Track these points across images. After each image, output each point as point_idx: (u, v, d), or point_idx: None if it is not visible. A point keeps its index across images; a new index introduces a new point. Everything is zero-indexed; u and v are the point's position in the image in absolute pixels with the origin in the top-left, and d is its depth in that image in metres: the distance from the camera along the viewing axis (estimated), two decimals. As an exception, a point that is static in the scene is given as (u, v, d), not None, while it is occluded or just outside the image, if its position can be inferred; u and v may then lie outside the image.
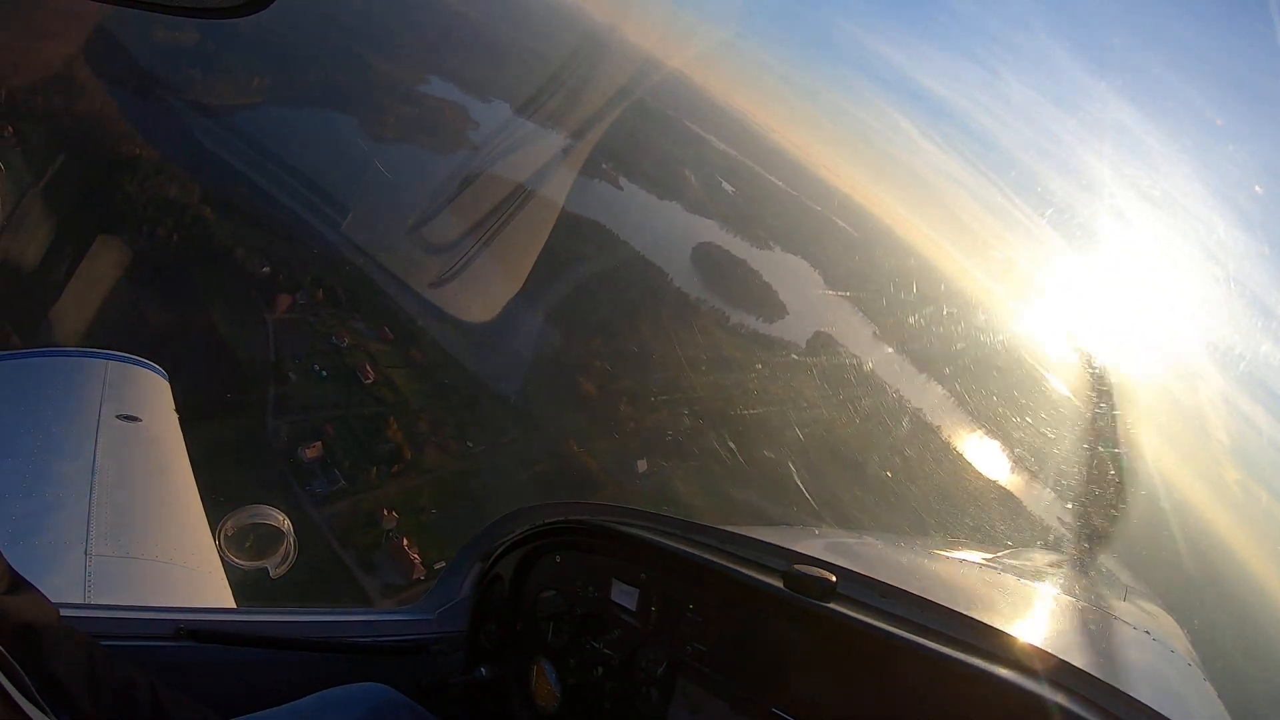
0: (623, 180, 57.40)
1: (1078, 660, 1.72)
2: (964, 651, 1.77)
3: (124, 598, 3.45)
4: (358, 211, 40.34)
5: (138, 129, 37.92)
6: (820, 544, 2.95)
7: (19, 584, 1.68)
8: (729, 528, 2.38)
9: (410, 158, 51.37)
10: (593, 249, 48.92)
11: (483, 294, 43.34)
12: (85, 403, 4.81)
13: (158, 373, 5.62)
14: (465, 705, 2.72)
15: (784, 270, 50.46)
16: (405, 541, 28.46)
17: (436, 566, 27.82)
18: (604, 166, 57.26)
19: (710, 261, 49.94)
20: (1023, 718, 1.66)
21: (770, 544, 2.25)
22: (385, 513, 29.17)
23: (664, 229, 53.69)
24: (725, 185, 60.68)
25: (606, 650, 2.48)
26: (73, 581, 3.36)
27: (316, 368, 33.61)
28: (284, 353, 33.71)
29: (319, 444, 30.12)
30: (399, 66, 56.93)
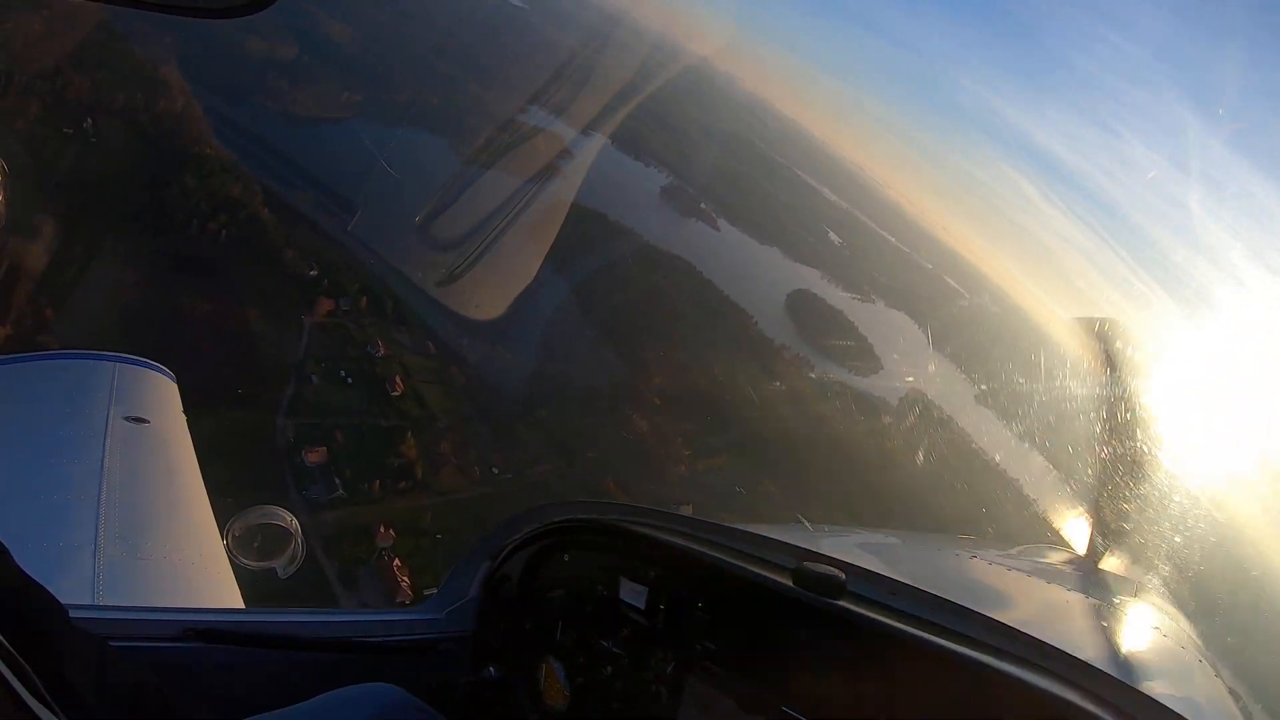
0: (721, 222, 57.25)
1: (1088, 656, 1.74)
2: (975, 649, 1.80)
3: (133, 598, 3.51)
4: (427, 230, 40.54)
5: (215, 130, 39.08)
6: (829, 541, 3.08)
7: (28, 584, 1.69)
8: (738, 525, 2.44)
9: (497, 184, 51.25)
10: (672, 286, 47.83)
11: (545, 321, 43.13)
12: (94, 405, 4.94)
13: (166, 375, 5.76)
14: (474, 705, 2.75)
15: (885, 325, 48.54)
16: (397, 562, 27.28)
17: (426, 593, 25.89)
18: (702, 206, 57.65)
19: (804, 309, 48.72)
20: (1034, 714, 1.69)
21: (779, 541, 2.29)
22: (381, 529, 27.83)
23: (758, 273, 53.42)
24: (832, 236, 60.77)
25: (615, 649, 2.50)
26: (82, 582, 3.42)
27: (342, 373, 33.26)
28: (313, 354, 33.97)
29: (324, 449, 29.21)
30: (499, 92, 56.96)
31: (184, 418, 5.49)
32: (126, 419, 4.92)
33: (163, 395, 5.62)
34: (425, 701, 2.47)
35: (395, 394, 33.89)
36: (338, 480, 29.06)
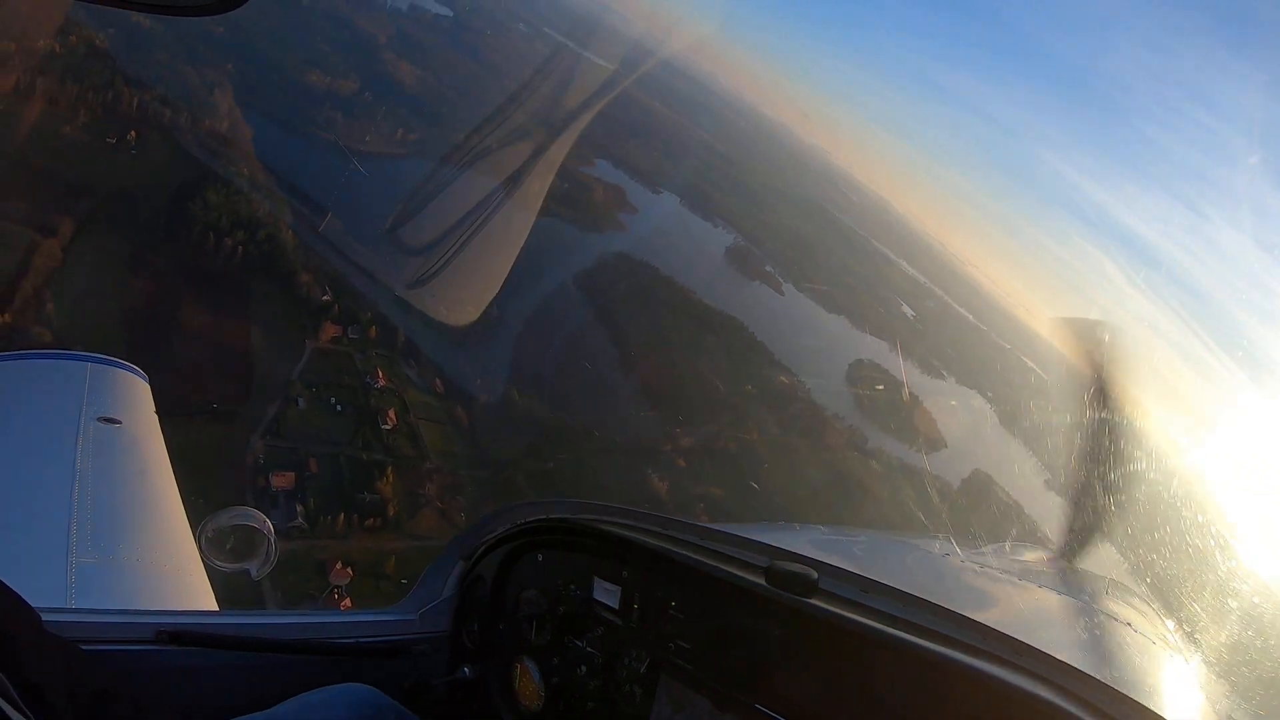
0: (787, 287, 56.81)
1: (1059, 653, 1.78)
2: (946, 646, 1.85)
3: (106, 601, 3.56)
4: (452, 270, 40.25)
5: (258, 151, 40.05)
6: (801, 540, 2.98)
7: None
8: (710, 524, 2.46)
9: (548, 232, 51.33)
10: (719, 345, 46.54)
11: (576, 371, 42.41)
12: (66, 405, 4.99)
13: (138, 375, 5.78)
14: (449, 705, 2.84)
15: (954, 403, 46.48)
16: (347, 602, 26.17)
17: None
18: (768, 269, 57.45)
19: (866, 381, 47.00)
20: (1005, 711, 1.75)
21: (751, 540, 2.32)
22: (339, 565, 26.50)
23: (819, 341, 52.94)
24: (906, 308, 60.04)
25: (589, 649, 2.60)
26: (54, 585, 3.47)
27: (333, 400, 32.74)
28: (307, 378, 33.80)
29: (293, 474, 28.28)
30: (565, 140, 57.29)
31: (157, 418, 5.50)
32: (99, 420, 4.96)
33: (135, 396, 5.64)
34: (400, 702, 2.53)
35: (386, 428, 33.28)
36: (299, 508, 27.93)
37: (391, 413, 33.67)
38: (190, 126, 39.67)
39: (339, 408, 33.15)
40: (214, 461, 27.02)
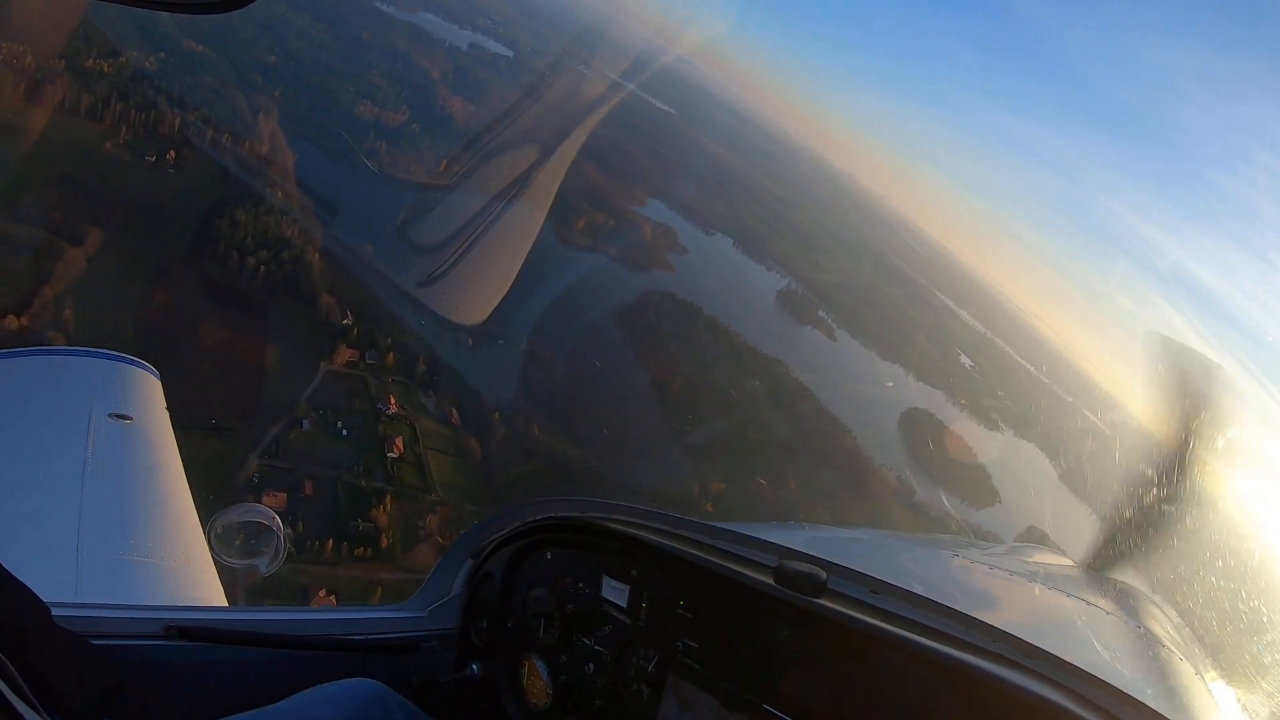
0: (840, 333, 56.39)
1: (1068, 656, 1.79)
2: (955, 648, 1.87)
3: (115, 596, 3.54)
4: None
5: (297, 175, 40.55)
6: (810, 539, 3.11)
7: (9, 582, 1.75)
8: (719, 523, 2.48)
9: (592, 269, 51.04)
10: (760, 389, 45.12)
11: (603, 410, 41.42)
12: (77, 402, 5.06)
13: (150, 372, 5.83)
14: (457, 703, 2.87)
15: (1010, 456, 45.91)
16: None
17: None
18: (820, 314, 56.93)
19: (919, 430, 46.09)
20: (1017, 714, 1.76)
21: (760, 539, 2.36)
22: (322, 593, 25.86)
23: (871, 390, 51.85)
24: (964, 359, 59.78)
25: (597, 647, 2.62)
26: (64, 580, 3.52)
27: (339, 424, 31.88)
28: (317, 400, 33.29)
29: (284, 496, 27.56)
30: (618, 180, 57.93)
31: (168, 415, 5.49)
32: (110, 416, 4.97)
33: (147, 392, 5.63)
34: (408, 699, 2.55)
35: (392, 456, 32.32)
36: (288, 531, 26.84)
37: (399, 441, 32.94)
38: (230, 148, 40.55)
39: (345, 432, 32.52)
40: (206, 477, 26.39)
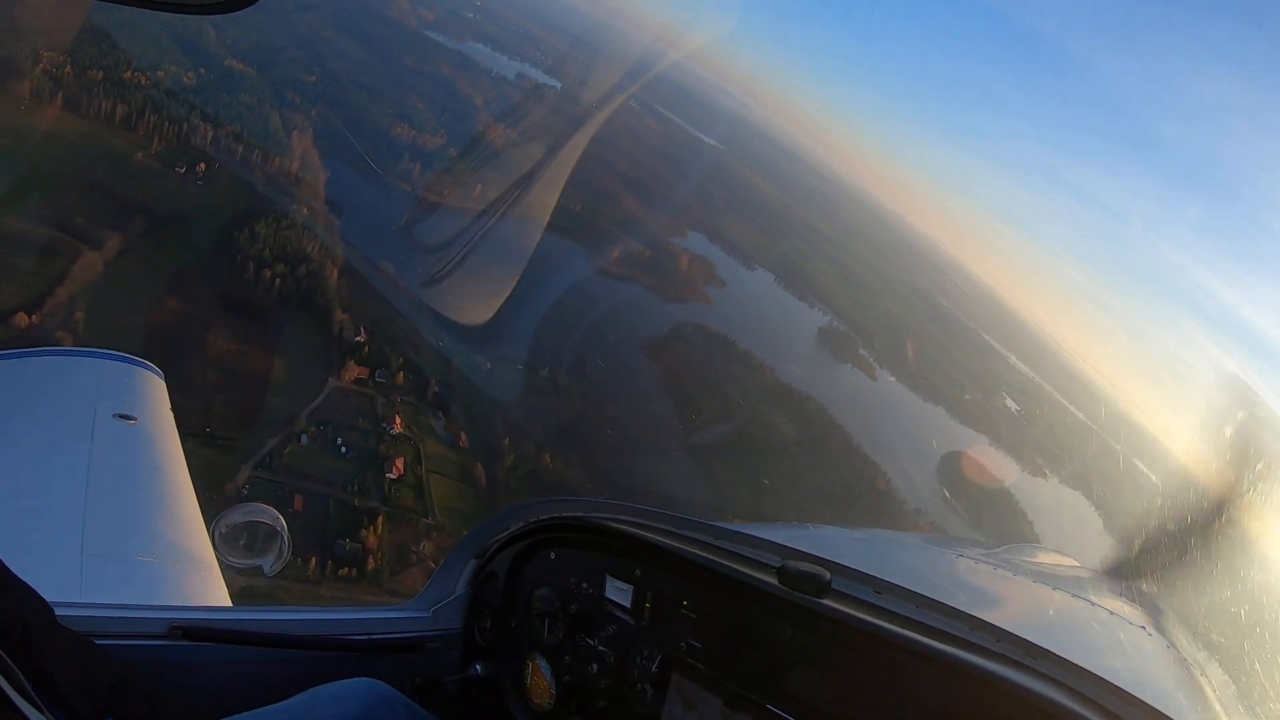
0: (881, 373, 55.37)
1: (1073, 656, 1.80)
2: (959, 648, 1.88)
3: (119, 596, 3.49)
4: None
5: (327, 195, 40.73)
6: (814, 539, 3.05)
7: (12, 582, 1.77)
8: (723, 524, 2.49)
9: (626, 298, 50.38)
10: (790, 424, 44.14)
11: (624, 440, 40.37)
12: (81, 402, 5.10)
13: (154, 372, 5.88)
14: (460, 702, 2.89)
15: (1054, 503, 44.77)
16: None
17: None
18: (861, 353, 56.02)
19: (959, 473, 44.92)
20: (1021, 714, 1.76)
21: (764, 539, 2.36)
22: None
23: (910, 430, 50.32)
24: (1010, 402, 58.08)
25: (601, 647, 2.62)
26: (68, 579, 3.55)
27: (339, 441, 31.17)
28: (320, 415, 32.79)
29: (272, 510, 26.53)
30: (659, 212, 57.64)
31: (172, 415, 5.52)
32: (114, 416, 5.00)
33: (152, 393, 5.69)
34: (412, 698, 2.54)
35: (391, 476, 31.50)
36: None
37: (400, 462, 32.27)
38: (260, 164, 40.84)
39: (344, 450, 31.96)
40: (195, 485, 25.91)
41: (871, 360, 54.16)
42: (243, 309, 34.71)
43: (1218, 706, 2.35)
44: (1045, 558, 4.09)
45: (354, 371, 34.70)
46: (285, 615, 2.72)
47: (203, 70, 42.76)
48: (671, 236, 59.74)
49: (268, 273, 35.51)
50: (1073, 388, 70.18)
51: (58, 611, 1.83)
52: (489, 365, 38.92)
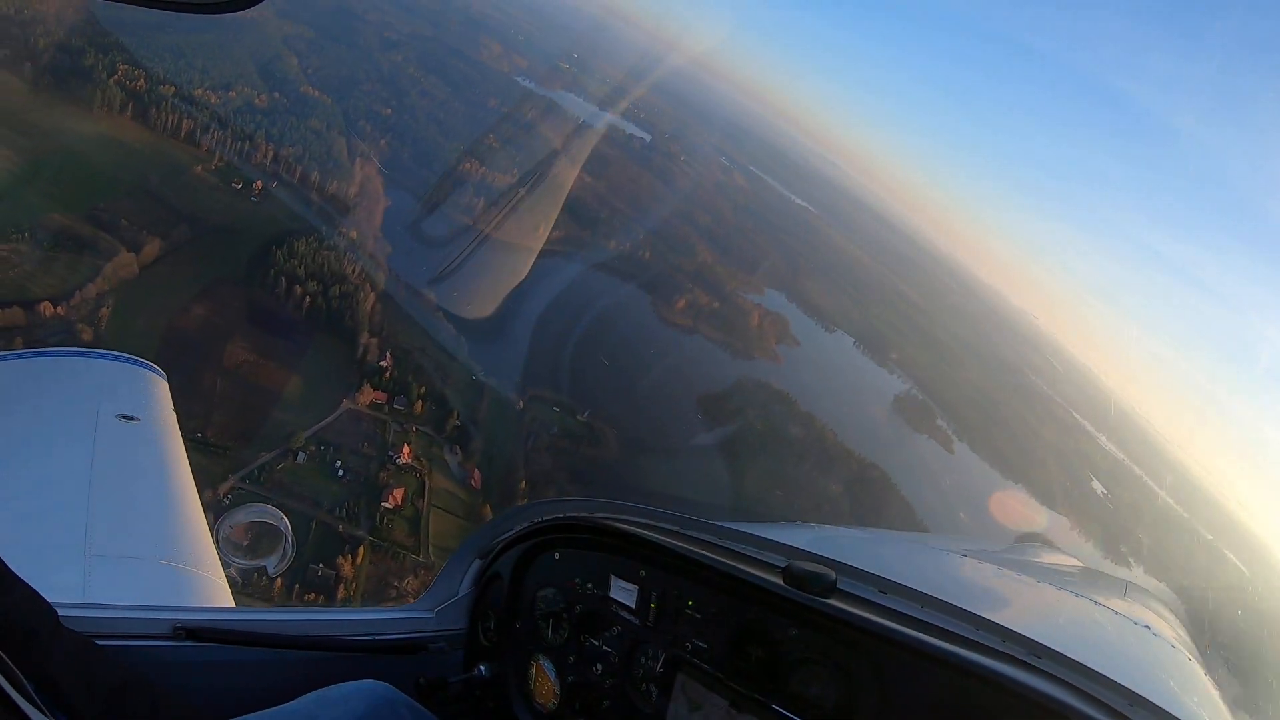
0: (959, 446, 51.90)
1: (1078, 656, 1.80)
2: (964, 648, 1.88)
3: (122, 596, 3.48)
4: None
5: (385, 221, 40.47)
6: (819, 539, 3.06)
7: (15, 583, 1.76)
8: (728, 523, 2.48)
9: (690, 350, 48.42)
10: (849, 495, 42.09)
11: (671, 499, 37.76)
12: (85, 402, 5.09)
13: (157, 373, 5.86)
14: (465, 703, 2.84)
15: (1139, 595, 36.53)
16: None
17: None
18: (939, 424, 52.84)
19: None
20: (1026, 713, 1.76)
21: (769, 539, 2.37)
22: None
23: (982, 507, 46.33)
24: (1097, 485, 55.35)
25: (606, 647, 2.61)
26: (71, 580, 3.55)
27: (338, 464, 29.52)
28: (325, 435, 31.46)
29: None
30: (735, 267, 55.94)
31: (175, 416, 5.41)
32: (117, 417, 4.99)
33: (154, 394, 5.63)
34: (416, 699, 2.53)
35: (387, 506, 29.42)
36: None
37: (399, 492, 30.43)
38: (318, 186, 40.69)
39: (342, 472, 30.43)
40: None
41: (950, 431, 51.21)
42: (268, 323, 34.26)
43: (1223, 706, 2.38)
44: (1051, 557, 4.02)
45: (370, 396, 33.40)
46: (289, 616, 2.63)
47: (277, 94, 43.63)
48: (746, 292, 58.71)
49: (299, 290, 35.06)
50: (1166, 474, 66.93)
51: (61, 612, 1.83)
52: (522, 404, 37.11)
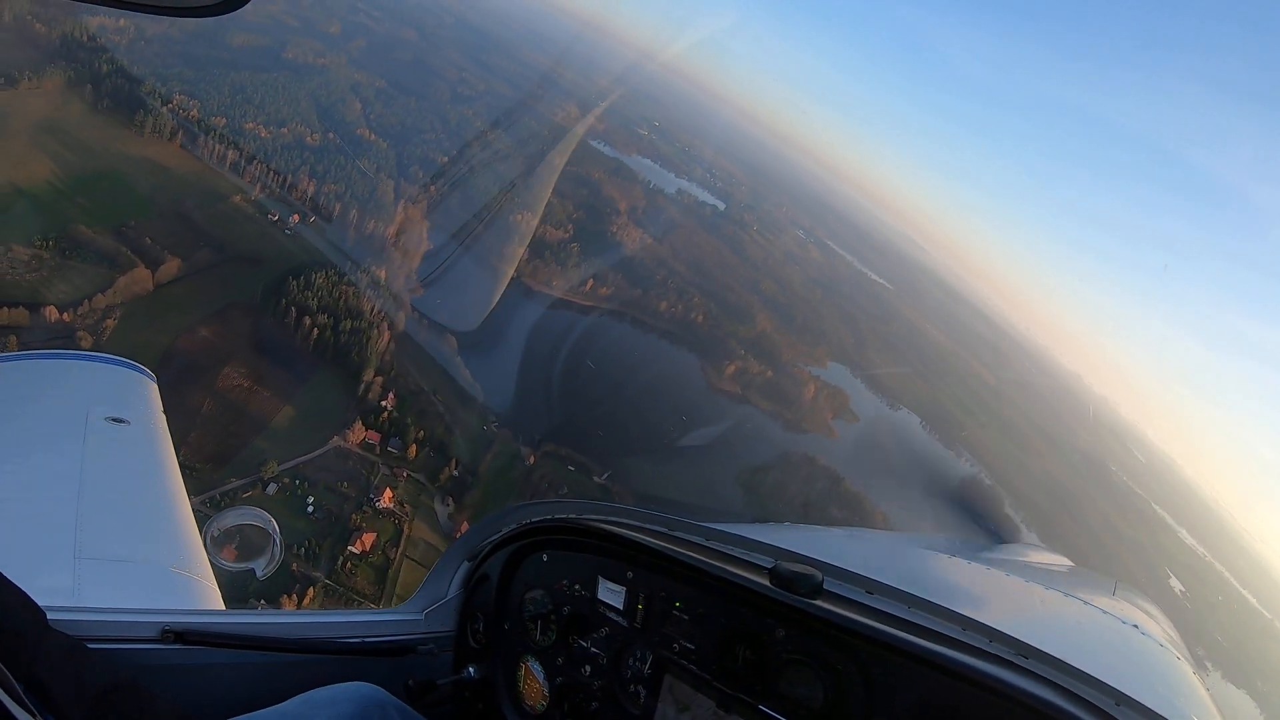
0: (1028, 535, 50.21)
1: (1066, 655, 1.79)
2: (951, 648, 1.86)
3: (112, 599, 3.54)
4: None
5: (423, 266, 40.21)
6: (806, 540, 3.10)
7: (4, 585, 1.75)
8: (715, 525, 2.46)
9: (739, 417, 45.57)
10: None
11: None
12: (74, 405, 5.05)
13: (146, 376, 5.81)
14: (453, 705, 2.80)
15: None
16: None
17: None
18: (1007, 512, 49.45)
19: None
20: (1011, 713, 1.74)
21: (756, 540, 2.36)
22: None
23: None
24: (1174, 582, 52.12)
25: (594, 649, 2.58)
26: (61, 583, 3.50)
27: (310, 500, 27.46)
28: (304, 470, 29.79)
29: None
30: (796, 338, 53.03)
31: (164, 418, 5.35)
32: (106, 419, 4.90)
33: (143, 396, 5.56)
34: (405, 701, 2.49)
35: (353, 550, 27.02)
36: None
37: (370, 538, 28.20)
38: (356, 224, 39.89)
39: (312, 509, 28.54)
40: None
41: (1018, 521, 47.97)
42: (271, 351, 33.49)
43: (1212, 706, 2.38)
44: (1038, 557, 3.91)
45: (363, 435, 31.69)
46: (278, 619, 2.65)
47: (332, 135, 43.64)
48: (806, 363, 56.11)
49: (308, 321, 34.09)
50: (1250, 573, 62.59)
51: (50, 615, 1.80)
52: (533, 459, 34.43)
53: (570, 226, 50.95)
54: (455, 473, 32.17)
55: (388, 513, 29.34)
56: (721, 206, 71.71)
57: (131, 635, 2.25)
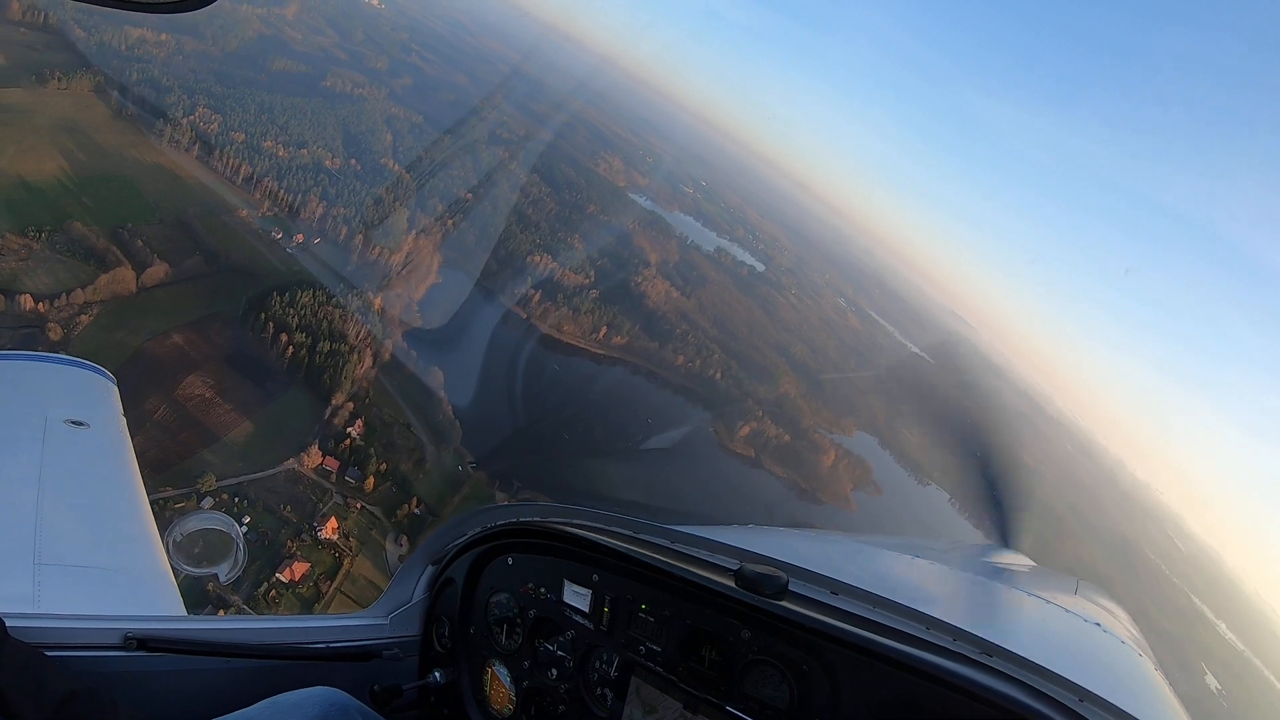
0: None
1: (1030, 653, 1.81)
2: (915, 646, 1.88)
3: (72, 605, 3.10)
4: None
5: (424, 299, 39.43)
6: (771, 542, 3.07)
7: None
8: (680, 527, 2.45)
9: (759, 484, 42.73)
10: None
11: None
12: (32, 407, 4.82)
13: (107, 378, 5.53)
14: (419, 710, 2.83)
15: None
16: None
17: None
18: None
19: None
20: (976, 710, 1.76)
21: (721, 543, 2.35)
22: None
23: None
24: (1210, 679, 49.74)
25: (560, 652, 2.57)
26: (19, 589, 3.36)
27: (246, 521, 26.16)
28: (246, 489, 28.08)
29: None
30: (821, 404, 50.17)
31: (124, 421, 5.16)
32: (65, 422, 4.71)
33: (104, 399, 5.32)
34: (371, 706, 2.49)
35: (280, 579, 24.89)
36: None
37: (302, 567, 26.27)
38: (359, 250, 38.88)
39: (246, 531, 25.53)
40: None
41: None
42: (241, 365, 32.30)
43: (1175, 700, 2.40)
44: (1001, 557, 3.97)
45: (319, 459, 29.89)
46: (242, 624, 2.58)
47: (354, 161, 43.17)
48: (830, 430, 53.87)
49: (285, 339, 32.98)
50: None
51: (9, 623, 1.80)
52: (509, 501, 31.91)
53: (591, 273, 49.79)
54: (415, 510, 30.13)
55: (329, 544, 27.26)
56: (761, 268, 70.84)
57: (93, 642, 2.19)
